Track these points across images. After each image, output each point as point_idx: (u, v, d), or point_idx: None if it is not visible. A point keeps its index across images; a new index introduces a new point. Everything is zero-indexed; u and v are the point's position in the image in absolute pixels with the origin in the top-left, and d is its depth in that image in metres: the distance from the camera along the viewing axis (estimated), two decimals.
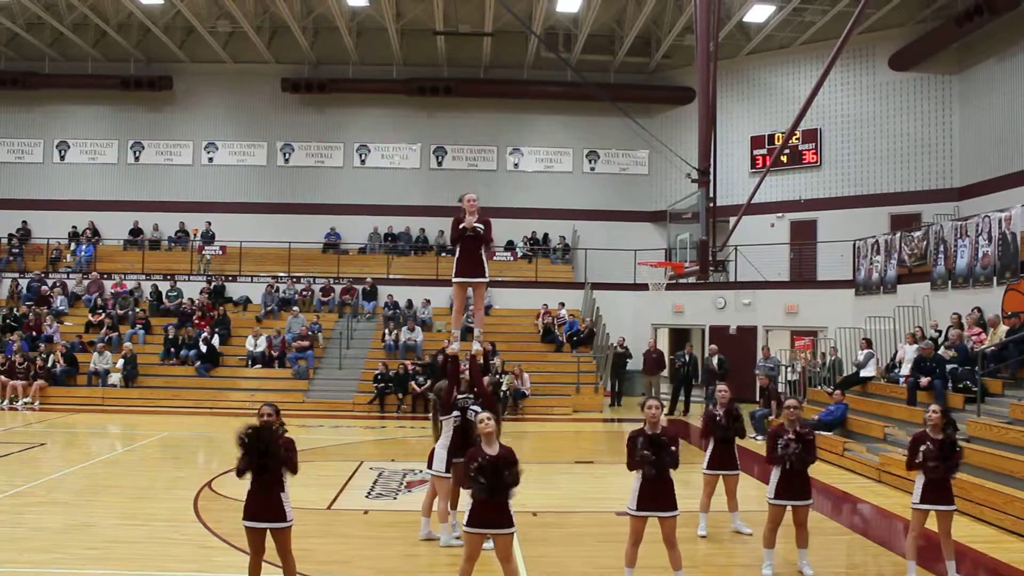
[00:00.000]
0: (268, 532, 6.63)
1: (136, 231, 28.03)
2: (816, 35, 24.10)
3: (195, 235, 27.63)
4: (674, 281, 22.13)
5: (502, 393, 19.25)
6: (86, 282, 25.50)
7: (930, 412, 7.91)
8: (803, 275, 24.52)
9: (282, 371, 22.16)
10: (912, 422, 13.60)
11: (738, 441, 9.74)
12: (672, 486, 7.24)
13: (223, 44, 27.20)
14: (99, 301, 24.64)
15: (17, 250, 26.77)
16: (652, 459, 7.08)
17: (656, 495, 7.16)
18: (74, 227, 27.91)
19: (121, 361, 21.45)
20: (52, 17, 25.20)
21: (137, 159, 28.85)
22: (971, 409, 12.94)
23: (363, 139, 28.83)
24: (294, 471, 6.74)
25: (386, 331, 23.28)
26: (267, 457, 6.53)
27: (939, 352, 14.73)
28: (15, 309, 24.03)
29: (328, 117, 28.75)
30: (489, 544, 6.82)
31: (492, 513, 6.57)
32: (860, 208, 24.02)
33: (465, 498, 9.39)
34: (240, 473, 6.63)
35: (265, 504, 6.58)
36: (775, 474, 8.09)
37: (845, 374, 18.07)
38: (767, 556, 8.05)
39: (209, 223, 27.59)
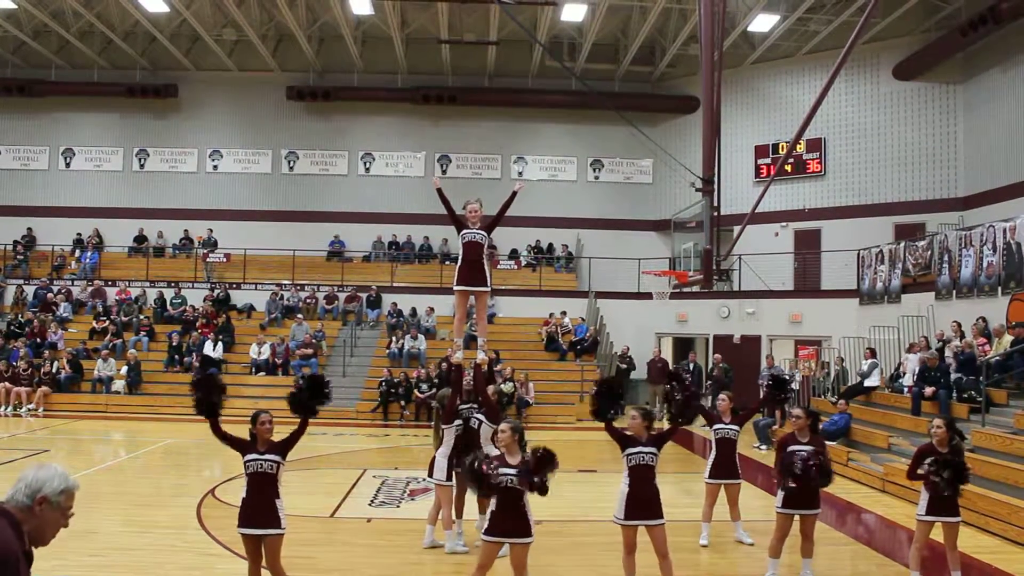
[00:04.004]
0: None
1: (141, 238, 28.08)
2: (820, 44, 24.14)
3: (199, 242, 27.69)
4: (678, 290, 22.14)
5: (504, 399, 19.26)
6: (90, 289, 25.55)
7: (934, 427, 7.86)
8: (807, 284, 24.46)
9: (286, 379, 22.09)
10: (916, 432, 13.58)
11: (740, 450, 9.71)
12: (658, 495, 7.19)
13: (228, 52, 27.31)
14: (103, 308, 24.70)
15: (22, 257, 26.84)
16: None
17: (642, 504, 7.12)
18: (79, 234, 27.98)
19: (125, 368, 21.50)
20: (58, 25, 25.31)
21: (142, 166, 28.93)
22: (976, 419, 12.90)
23: (367, 147, 28.89)
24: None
25: (392, 339, 23.26)
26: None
27: (944, 362, 14.69)
28: (20, 315, 24.08)
29: (333, 125, 28.82)
30: (503, 551, 6.78)
31: (512, 522, 6.53)
32: (864, 217, 24.01)
33: (470, 506, 9.41)
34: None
35: (259, 511, 6.57)
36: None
37: (849, 383, 18.03)
38: (771, 565, 8.01)
39: (211, 230, 27.63)
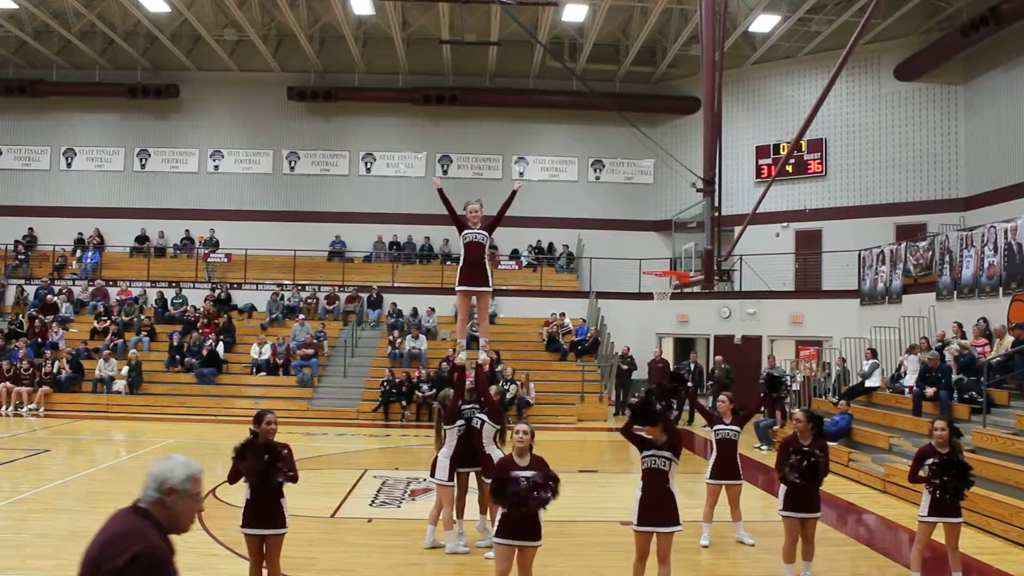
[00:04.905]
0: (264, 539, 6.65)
1: (142, 238, 28.10)
2: (822, 45, 24.13)
3: (200, 242, 27.69)
4: (679, 291, 22.11)
5: (506, 400, 19.27)
6: (92, 289, 25.56)
7: (937, 431, 7.84)
8: (808, 285, 24.46)
9: (287, 379, 22.17)
10: (917, 433, 13.57)
11: (741, 451, 9.72)
12: (673, 499, 7.05)
13: (229, 52, 27.31)
14: (104, 308, 24.71)
15: (23, 257, 26.84)
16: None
17: (655, 508, 7.00)
18: (80, 234, 28.00)
19: (126, 368, 21.49)
20: (60, 25, 25.31)
21: (143, 167, 28.94)
22: (977, 420, 12.88)
23: (368, 147, 28.91)
24: (295, 480, 6.76)
25: (393, 340, 23.22)
26: (270, 474, 6.54)
27: (944, 363, 14.68)
28: (21, 316, 24.08)
29: (334, 125, 28.83)
30: None
31: (524, 524, 6.44)
32: (865, 218, 24.02)
33: (471, 506, 9.42)
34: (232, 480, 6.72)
35: (264, 511, 6.59)
36: (783, 486, 7.96)
37: (850, 384, 18.02)
38: (788, 571, 7.92)
39: (213, 230, 27.64)
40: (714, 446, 9.61)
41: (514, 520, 6.44)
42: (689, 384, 7.22)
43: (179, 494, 3.39)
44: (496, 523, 6.62)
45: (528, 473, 6.42)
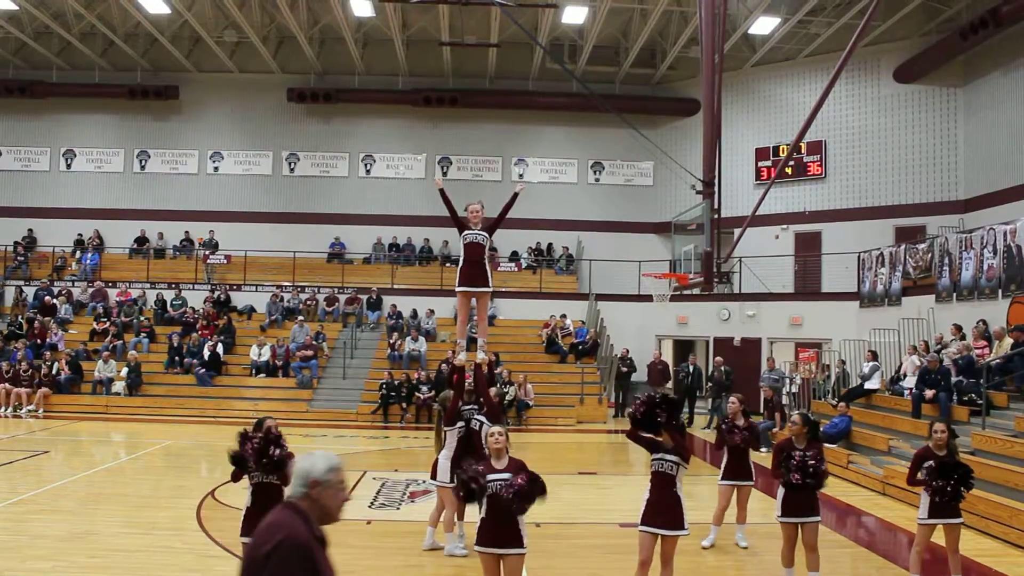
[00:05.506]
0: None
1: (141, 240, 28.09)
2: (821, 47, 24.13)
3: (199, 244, 27.68)
4: (678, 293, 22.09)
5: (505, 402, 19.26)
6: (91, 290, 25.55)
7: (936, 433, 7.82)
8: (808, 287, 24.46)
9: (286, 380, 22.16)
10: (917, 435, 13.55)
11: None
12: (680, 504, 7.04)
13: (229, 54, 27.31)
14: (104, 309, 24.70)
15: (22, 258, 26.82)
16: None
17: (660, 511, 7.00)
18: (80, 235, 27.99)
19: (125, 369, 21.48)
20: (60, 26, 25.31)
21: (143, 168, 28.92)
22: (976, 422, 12.88)
23: (368, 149, 28.89)
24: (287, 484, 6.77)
25: (393, 341, 23.21)
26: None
27: (943, 365, 14.67)
28: (20, 317, 24.07)
29: (333, 127, 28.82)
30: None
31: (504, 532, 6.27)
32: (865, 220, 24.00)
33: (472, 508, 9.41)
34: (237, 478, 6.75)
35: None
36: (781, 490, 7.93)
37: (850, 386, 18.01)
38: (788, 575, 7.93)
39: (212, 232, 27.63)
40: (725, 448, 9.62)
41: (492, 526, 6.28)
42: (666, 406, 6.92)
43: (323, 485, 3.59)
44: (476, 530, 6.44)
45: (504, 476, 6.31)
